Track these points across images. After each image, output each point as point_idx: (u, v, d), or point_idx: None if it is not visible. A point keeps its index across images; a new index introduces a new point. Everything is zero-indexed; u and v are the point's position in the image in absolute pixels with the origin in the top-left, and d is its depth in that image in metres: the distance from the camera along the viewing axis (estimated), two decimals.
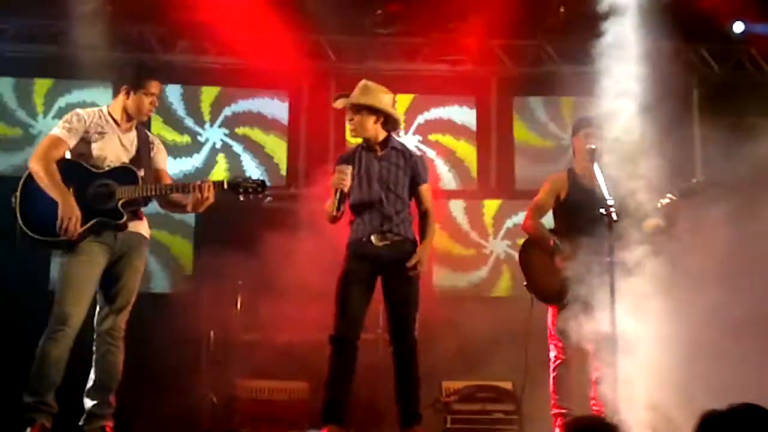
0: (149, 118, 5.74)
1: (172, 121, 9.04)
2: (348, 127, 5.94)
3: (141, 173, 5.22)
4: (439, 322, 6.90)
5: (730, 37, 9.02)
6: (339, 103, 5.91)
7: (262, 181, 5.33)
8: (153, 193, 5.23)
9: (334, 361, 5.62)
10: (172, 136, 8.97)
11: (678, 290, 5.87)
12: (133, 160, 5.26)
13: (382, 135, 5.86)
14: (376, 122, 5.82)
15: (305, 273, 6.91)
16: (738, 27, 8.94)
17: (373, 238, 5.70)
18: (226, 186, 5.23)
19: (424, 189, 5.89)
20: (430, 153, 9.06)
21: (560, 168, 6.65)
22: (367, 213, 5.73)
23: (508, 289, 8.76)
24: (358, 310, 5.65)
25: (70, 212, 4.93)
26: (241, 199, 5.26)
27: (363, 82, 5.91)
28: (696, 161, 8.08)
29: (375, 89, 5.86)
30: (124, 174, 5.16)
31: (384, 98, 5.87)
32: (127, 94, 5.27)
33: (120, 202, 5.08)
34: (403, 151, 5.91)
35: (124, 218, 5.09)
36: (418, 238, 5.79)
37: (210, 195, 5.16)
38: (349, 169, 5.67)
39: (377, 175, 5.76)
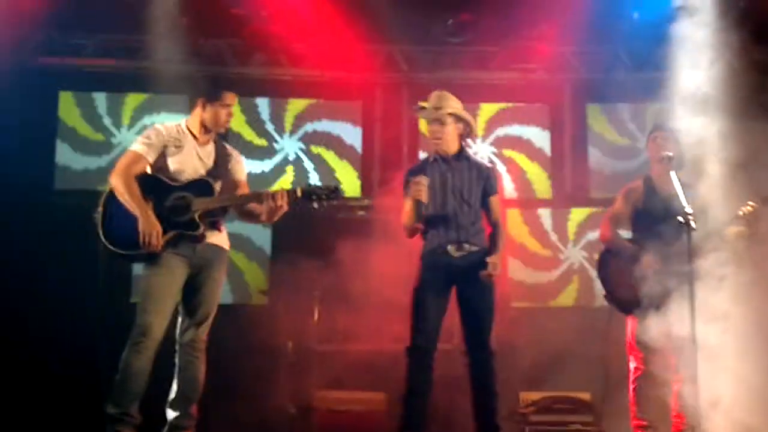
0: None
1: (252, 123, 9.15)
2: (428, 137, 5.92)
3: (218, 185, 5.27)
4: (516, 333, 6.86)
5: None
6: (427, 113, 5.86)
7: (336, 188, 5.27)
8: (227, 203, 5.29)
9: (412, 372, 5.62)
10: (250, 137, 9.08)
11: (760, 298, 5.77)
12: (210, 173, 5.31)
13: (457, 146, 5.87)
14: (459, 131, 5.85)
15: (381, 283, 6.92)
16: None
17: (449, 248, 5.70)
18: (300, 194, 5.21)
19: (494, 200, 5.89)
20: (504, 162, 9.01)
21: (635, 175, 6.55)
22: (442, 224, 5.73)
23: (574, 299, 8.67)
24: (435, 320, 5.64)
25: (150, 226, 5.01)
26: (315, 206, 5.23)
27: (439, 92, 5.90)
28: None
29: (453, 98, 5.87)
30: (200, 186, 5.21)
31: (461, 107, 5.90)
32: (203, 106, 5.33)
33: (196, 214, 5.14)
34: (476, 162, 5.92)
35: (201, 229, 5.15)
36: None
37: (284, 203, 5.17)
38: (425, 180, 5.67)
39: (451, 185, 5.76)
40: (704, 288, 5.44)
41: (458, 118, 5.83)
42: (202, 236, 5.18)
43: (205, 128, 5.36)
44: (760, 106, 7.51)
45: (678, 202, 5.38)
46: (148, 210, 5.05)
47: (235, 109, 5.49)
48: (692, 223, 5.27)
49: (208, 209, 5.19)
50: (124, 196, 5.08)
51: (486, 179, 5.85)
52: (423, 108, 5.86)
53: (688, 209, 5.30)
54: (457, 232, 5.71)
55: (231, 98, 5.35)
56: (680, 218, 5.31)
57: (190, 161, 5.29)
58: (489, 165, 6.04)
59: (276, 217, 5.29)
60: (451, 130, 5.81)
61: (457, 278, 5.68)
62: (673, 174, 5.56)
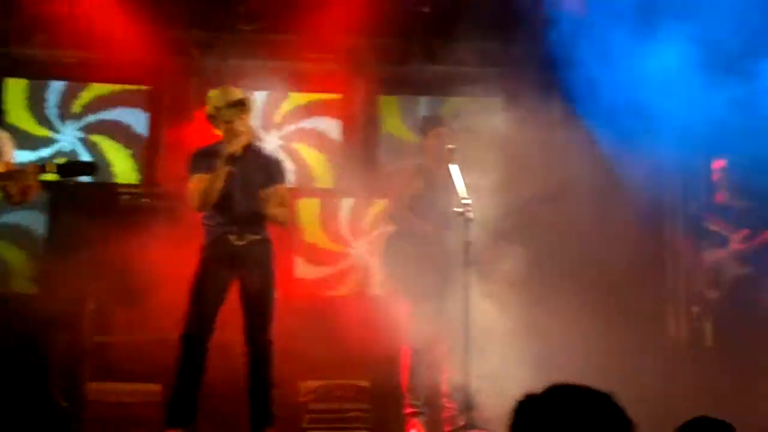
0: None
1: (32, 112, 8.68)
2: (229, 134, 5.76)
3: None
4: (298, 322, 6.82)
5: None
6: (229, 112, 5.71)
7: (91, 163, 5.08)
8: None
9: (184, 360, 5.60)
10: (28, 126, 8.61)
11: (532, 285, 5.96)
12: None
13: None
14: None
15: (160, 272, 6.74)
16: None
17: (230, 237, 5.67)
18: (50, 168, 4.88)
19: (281, 190, 5.88)
20: (292, 151, 8.90)
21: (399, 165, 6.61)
22: (226, 213, 5.69)
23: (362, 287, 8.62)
24: (212, 308, 5.66)
25: None
26: (69, 182, 5.03)
27: (219, 89, 5.85)
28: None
29: (235, 89, 5.83)
30: None
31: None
32: None
33: None
34: (261, 153, 5.88)
35: None
36: None
37: (34, 181, 4.88)
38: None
39: (237, 175, 5.68)
40: (478, 277, 5.55)
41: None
42: None
43: None
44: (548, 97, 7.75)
45: (456, 194, 5.47)
46: None
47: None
48: (469, 214, 5.38)
49: None
50: None
51: (271, 169, 5.87)
52: (218, 109, 5.72)
53: (467, 200, 5.39)
54: (239, 223, 5.68)
55: None
56: (458, 209, 5.40)
57: None
58: (274, 156, 6.00)
59: (29, 196, 4.98)
60: (248, 121, 5.77)
61: (239, 266, 5.67)
62: (453, 167, 5.66)
